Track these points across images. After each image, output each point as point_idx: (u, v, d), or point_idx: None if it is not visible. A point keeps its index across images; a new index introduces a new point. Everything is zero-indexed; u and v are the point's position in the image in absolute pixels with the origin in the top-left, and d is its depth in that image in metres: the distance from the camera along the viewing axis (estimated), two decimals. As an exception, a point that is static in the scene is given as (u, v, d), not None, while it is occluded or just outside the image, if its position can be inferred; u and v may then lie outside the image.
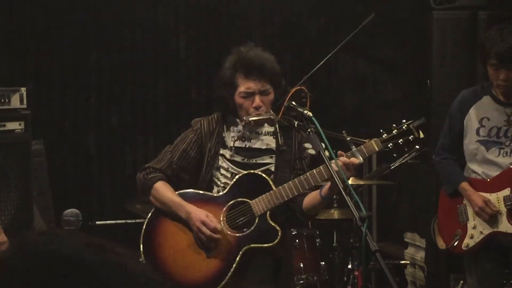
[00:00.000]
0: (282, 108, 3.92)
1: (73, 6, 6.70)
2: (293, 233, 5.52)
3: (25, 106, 5.12)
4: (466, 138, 4.66)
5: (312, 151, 3.81)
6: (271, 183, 3.78)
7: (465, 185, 4.62)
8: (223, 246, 3.79)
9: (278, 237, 3.74)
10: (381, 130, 3.71)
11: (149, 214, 3.97)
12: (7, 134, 5.02)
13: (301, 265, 5.46)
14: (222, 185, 3.87)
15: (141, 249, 3.86)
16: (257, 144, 3.91)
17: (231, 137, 3.92)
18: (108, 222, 5.98)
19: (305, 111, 3.60)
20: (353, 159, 3.54)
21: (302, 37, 7.21)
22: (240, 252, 3.76)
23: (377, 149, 3.66)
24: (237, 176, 3.83)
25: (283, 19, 7.16)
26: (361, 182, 5.91)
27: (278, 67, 3.91)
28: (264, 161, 3.89)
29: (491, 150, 4.57)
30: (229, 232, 3.80)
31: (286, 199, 3.74)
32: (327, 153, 3.50)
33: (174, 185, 3.96)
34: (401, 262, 6.44)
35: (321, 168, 3.67)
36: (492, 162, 4.57)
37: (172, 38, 6.96)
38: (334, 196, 5.63)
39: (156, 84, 6.95)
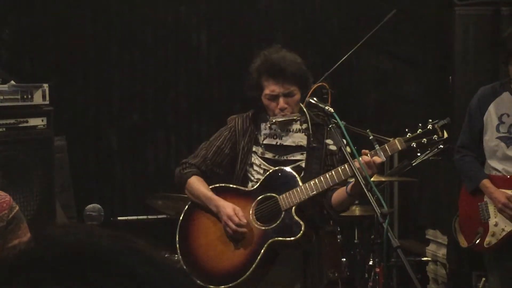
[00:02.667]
0: (304, 104, 3.96)
1: (95, 3, 6.72)
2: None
3: (47, 102, 5.15)
4: (486, 135, 4.63)
5: (333, 147, 3.84)
6: (298, 179, 3.85)
7: (486, 182, 4.59)
8: (250, 239, 3.90)
9: (301, 231, 3.79)
10: (406, 130, 3.72)
11: (186, 207, 4.13)
12: (29, 130, 5.05)
13: (322, 262, 5.46)
14: (255, 180, 3.98)
15: (177, 238, 4.05)
16: (288, 142, 3.99)
17: (262, 135, 4.01)
18: (129, 217, 6.00)
19: (327, 107, 3.65)
20: (375, 158, 3.58)
21: (323, 33, 7.19)
22: (265, 245, 3.84)
23: (400, 148, 3.69)
24: (268, 172, 3.92)
25: (305, 16, 7.16)
26: (383, 179, 5.89)
27: (304, 67, 3.97)
28: (294, 158, 3.97)
29: (511, 147, 4.54)
30: (256, 225, 3.90)
31: (311, 195, 3.80)
32: (348, 149, 3.53)
33: (209, 179, 4.10)
34: (422, 259, 6.42)
35: (345, 165, 3.70)
36: (513, 158, 4.55)
37: (194, 35, 6.97)
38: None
39: (178, 81, 6.96)
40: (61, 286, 0.87)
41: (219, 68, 7.01)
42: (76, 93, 6.71)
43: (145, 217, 5.95)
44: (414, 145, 3.69)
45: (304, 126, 3.99)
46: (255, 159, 3.99)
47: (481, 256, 4.83)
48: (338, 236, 5.66)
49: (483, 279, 5.13)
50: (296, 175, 3.87)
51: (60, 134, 5.67)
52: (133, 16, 6.81)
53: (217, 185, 4.05)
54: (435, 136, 3.68)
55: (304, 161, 3.95)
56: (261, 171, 3.97)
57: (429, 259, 6.44)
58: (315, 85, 5.86)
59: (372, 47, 6.89)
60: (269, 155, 3.98)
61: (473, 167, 4.69)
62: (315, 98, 3.77)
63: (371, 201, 3.32)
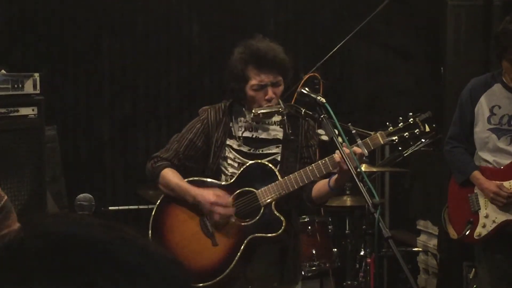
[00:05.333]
0: (295, 95, 3.92)
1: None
2: (306, 220, 5.53)
3: (38, 92, 5.13)
4: (477, 126, 4.63)
5: (325, 138, 3.82)
6: (277, 173, 3.78)
7: (476, 173, 4.59)
8: (228, 235, 3.81)
9: (282, 227, 3.75)
10: (387, 123, 3.69)
11: (158, 201, 3.99)
12: (20, 120, 5.03)
13: (313, 252, 5.46)
14: (229, 174, 3.88)
15: (150, 236, 3.87)
16: (264, 135, 3.91)
17: (238, 128, 3.92)
18: (120, 207, 6.00)
19: (318, 97, 3.60)
20: (355, 148, 3.52)
21: (315, 23, 7.19)
22: (245, 241, 3.77)
23: (382, 142, 3.65)
24: (244, 166, 3.83)
25: (296, 6, 7.14)
26: (374, 169, 5.90)
27: (287, 57, 3.88)
28: (270, 151, 3.89)
29: (502, 139, 4.54)
30: (234, 221, 3.81)
31: (292, 189, 3.74)
32: (340, 139, 3.51)
33: (181, 174, 3.95)
34: (413, 249, 6.43)
35: (327, 159, 3.67)
36: (504, 150, 4.54)
37: (185, 25, 6.95)
38: (346, 183, 5.64)
39: (169, 71, 6.95)
40: (51, 277, 0.86)
41: (210, 58, 7.00)
42: (67, 83, 6.70)
43: (136, 207, 5.94)
44: (396, 139, 3.66)
45: (279, 118, 3.91)
46: (229, 153, 3.88)
47: (472, 247, 4.85)
48: (329, 227, 5.66)
49: (474, 269, 5.14)
50: (275, 169, 3.79)
51: (51, 123, 5.65)
52: (124, 6, 6.79)
53: (191, 178, 3.90)
54: (416, 130, 3.65)
55: (279, 154, 3.87)
56: (236, 165, 3.86)
57: (420, 249, 6.46)
58: (307, 75, 5.88)
59: (364, 38, 6.88)
60: (245, 148, 3.88)
61: (464, 159, 4.69)
62: (306, 88, 3.73)
63: (363, 191, 3.32)
